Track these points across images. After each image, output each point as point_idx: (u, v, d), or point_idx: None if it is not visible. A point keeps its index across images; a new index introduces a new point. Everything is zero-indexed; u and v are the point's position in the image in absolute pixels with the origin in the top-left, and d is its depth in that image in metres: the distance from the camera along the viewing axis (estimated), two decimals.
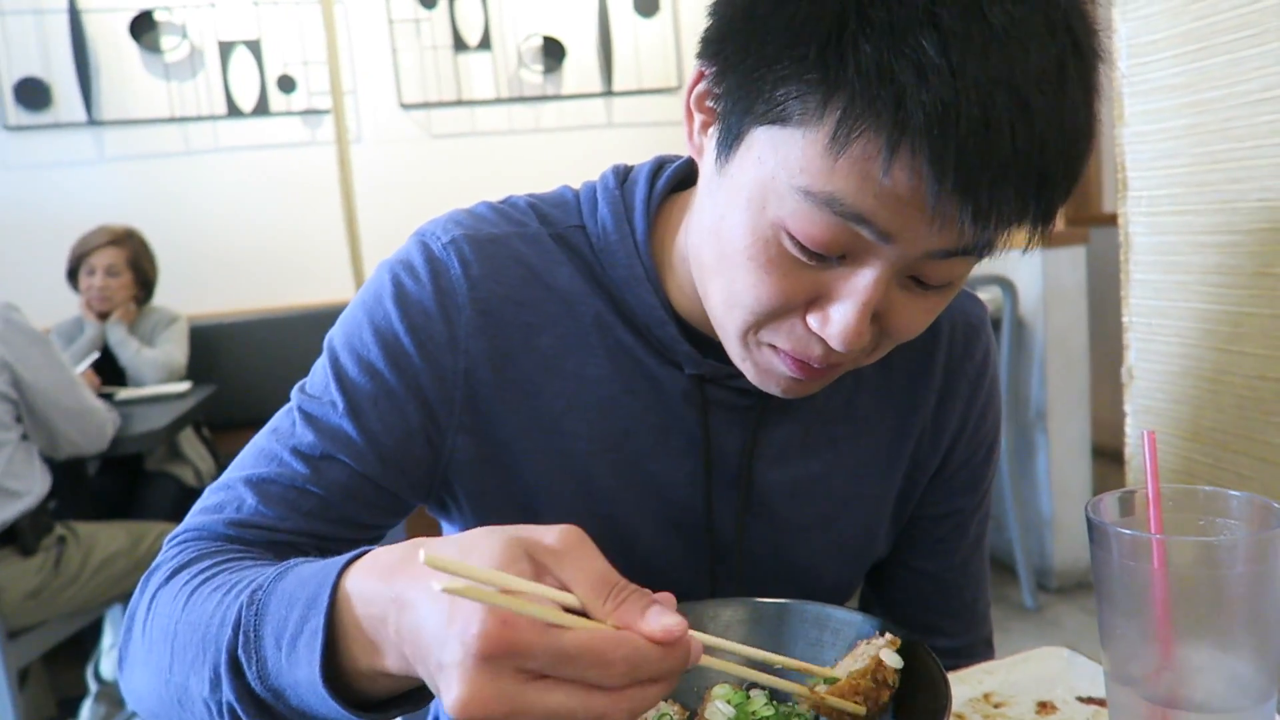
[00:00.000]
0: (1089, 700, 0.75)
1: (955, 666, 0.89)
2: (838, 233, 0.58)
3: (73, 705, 2.54)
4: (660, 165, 0.81)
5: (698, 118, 0.68)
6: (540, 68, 3.98)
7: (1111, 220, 4.13)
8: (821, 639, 0.70)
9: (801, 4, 0.55)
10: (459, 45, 3.90)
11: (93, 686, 2.54)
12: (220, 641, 0.57)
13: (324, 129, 3.78)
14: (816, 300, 0.63)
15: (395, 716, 0.56)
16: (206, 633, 0.58)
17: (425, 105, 3.90)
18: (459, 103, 3.93)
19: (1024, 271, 3.12)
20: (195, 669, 0.58)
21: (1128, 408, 1.14)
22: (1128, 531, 0.56)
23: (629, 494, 0.79)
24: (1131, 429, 1.14)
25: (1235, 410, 1.00)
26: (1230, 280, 0.98)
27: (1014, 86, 0.53)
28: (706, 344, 0.77)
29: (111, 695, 2.50)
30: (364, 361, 0.73)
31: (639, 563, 0.81)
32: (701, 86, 0.66)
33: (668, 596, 0.50)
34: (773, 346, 0.66)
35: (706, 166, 0.68)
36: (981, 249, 0.60)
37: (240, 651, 0.56)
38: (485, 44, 3.92)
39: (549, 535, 0.49)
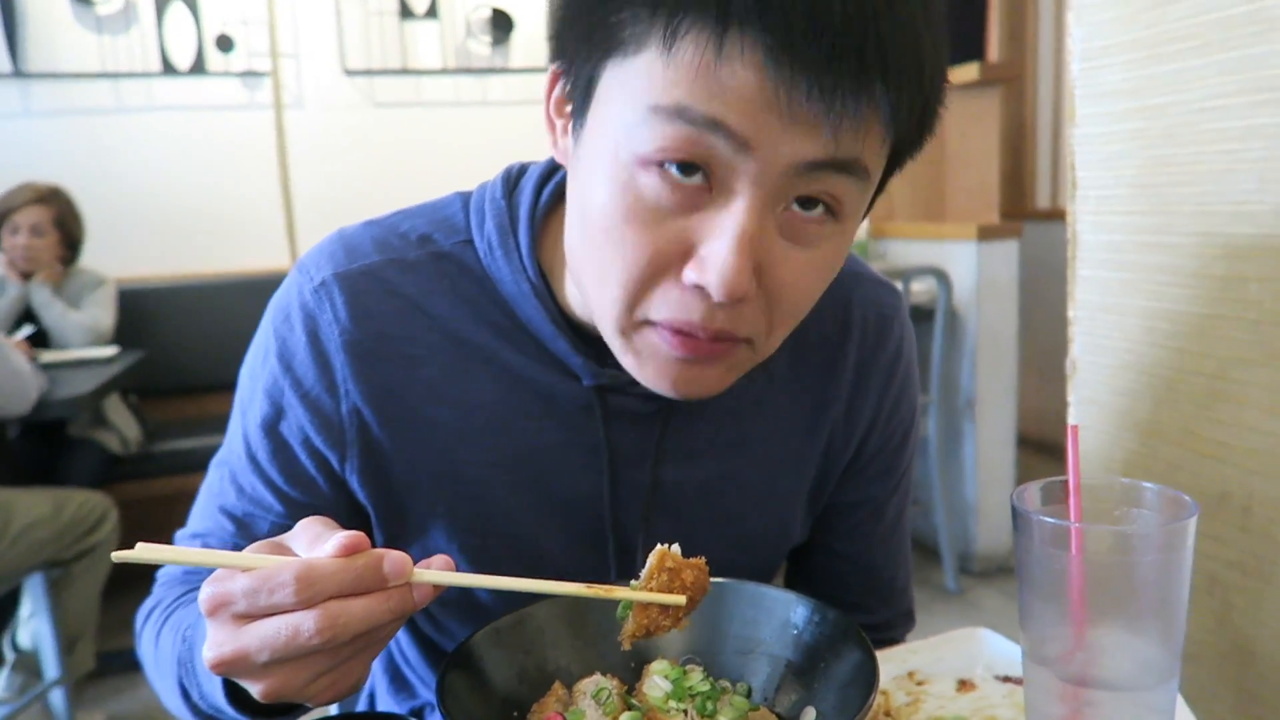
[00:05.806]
0: (1006, 679, 0.78)
1: (879, 640, 0.92)
2: (694, 142, 0.57)
3: None
4: (554, 168, 0.79)
5: (559, 123, 0.69)
6: (488, 39, 3.93)
7: (1045, 216, 4.24)
8: (756, 618, 0.72)
9: None
10: (405, 12, 3.83)
11: (9, 656, 2.47)
12: (174, 674, 0.69)
13: (263, 92, 3.69)
14: (690, 252, 0.60)
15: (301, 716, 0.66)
16: (171, 667, 0.70)
17: (369, 72, 3.83)
18: (404, 71, 3.86)
19: (959, 264, 3.19)
20: (175, 695, 0.70)
21: (1070, 399, 1.16)
22: (1049, 519, 0.59)
23: (531, 512, 0.79)
24: (1072, 420, 1.17)
25: (1170, 404, 1.04)
26: (1171, 280, 1.02)
27: None
28: (606, 353, 0.72)
29: (29, 665, 2.44)
30: (258, 419, 0.77)
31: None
32: (557, 90, 0.67)
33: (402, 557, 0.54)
34: (652, 324, 0.64)
35: (571, 163, 0.67)
36: (851, 163, 0.59)
37: (184, 680, 0.67)
38: (433, 12, 3.86)
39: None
